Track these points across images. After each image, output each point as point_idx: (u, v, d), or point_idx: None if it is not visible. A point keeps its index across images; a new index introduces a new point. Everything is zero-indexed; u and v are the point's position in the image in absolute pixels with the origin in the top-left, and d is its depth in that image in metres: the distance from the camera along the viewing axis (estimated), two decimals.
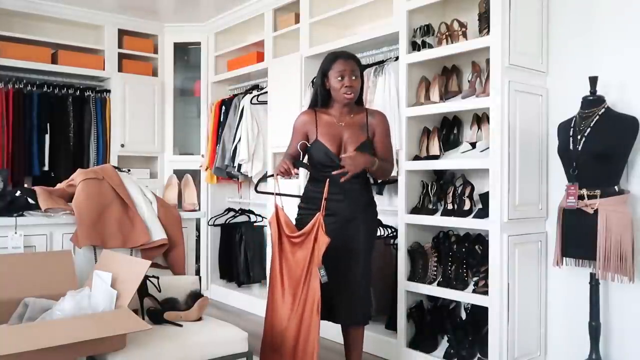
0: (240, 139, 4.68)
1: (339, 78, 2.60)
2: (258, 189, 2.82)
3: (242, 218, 5.15)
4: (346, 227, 2.62)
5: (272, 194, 2.60)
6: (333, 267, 2.51)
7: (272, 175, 2.65)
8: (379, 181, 3.57)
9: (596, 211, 2.63)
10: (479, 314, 3.12)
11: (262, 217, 4.96)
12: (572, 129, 2.76)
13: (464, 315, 3.34)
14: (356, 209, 2.66)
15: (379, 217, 3.75)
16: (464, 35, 3.23)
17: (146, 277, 2.29)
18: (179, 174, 3.36)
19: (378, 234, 3.72)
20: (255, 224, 5.04)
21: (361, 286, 2.66)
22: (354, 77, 2.61)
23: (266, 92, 4.58)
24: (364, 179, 2.73)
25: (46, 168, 4.78)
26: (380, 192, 3.78)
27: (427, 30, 3.36)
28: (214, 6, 4.88)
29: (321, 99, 2.70)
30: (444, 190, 3.33)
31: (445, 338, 3.27)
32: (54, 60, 4.87)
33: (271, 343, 2.57)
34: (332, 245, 2.46)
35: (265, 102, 4.62)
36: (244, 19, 4.90)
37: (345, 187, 2.57)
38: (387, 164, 2.71)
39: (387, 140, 2.75)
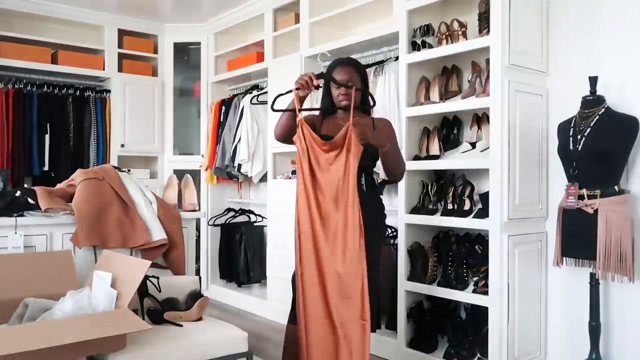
0: (240, 139, 4.68)
1: (336, 86, 2.59)
2: (275, 107, 2.57)
3: (242, 218, 5.16)
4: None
5: (293, 110, 2.44)
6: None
7: (290, 91, 2.48)
8: (379, 181, 3.56)
9: (596, 211, 2.63)
10: (479, 314, 3.12)
11: (262, 217, 4.96)
12: (572, 129, 2.76)
13: (464, 315, 3.34)
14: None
15: None
16: (464, 35, 3.23)
17: (146, 277, 2.29)
18: (179, 174, 3.36)
19: None
20: (255, 224, 5.04)
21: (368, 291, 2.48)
22: (349, 84, 2.56)
23: (266, 92, 4.59)
24: (371, 183, 2.67)
25: (46, 168, 4.78)
26: (380, 192, 3.78)
27: (427, 30, 3.36)
28: (214, 6, 4.88)
29: (329, 104, 2.68)
30: (444, 190, 3.33)
31: (445, 338, 3.28)
32: (54, 60, 4.87)
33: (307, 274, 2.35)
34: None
35: (265, 102, 4.63)
36: (244, 19, 4.90)
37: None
38: (397, 152, 2.67)
39: (394, 140, 2.71)
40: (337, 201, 2.37)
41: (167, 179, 3.31)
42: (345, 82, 2.56)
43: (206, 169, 5.16)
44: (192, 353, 2.11)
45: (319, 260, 2.37)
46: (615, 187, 2.66)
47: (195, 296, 2.43)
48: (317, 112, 2.72)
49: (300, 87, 2.43)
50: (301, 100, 2.45)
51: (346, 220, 2.35)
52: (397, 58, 3.52)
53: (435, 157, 3.32)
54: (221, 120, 5.05)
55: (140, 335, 2.02)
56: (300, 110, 2.42)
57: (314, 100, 3.92)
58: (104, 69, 5.09)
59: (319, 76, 2.48)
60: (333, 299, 2.34)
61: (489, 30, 2.98)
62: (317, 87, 2.49)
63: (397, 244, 3.51)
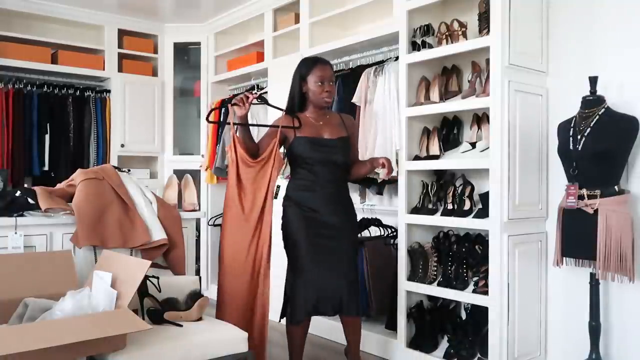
0: None
1: (319, 83, 2.77)
2: (210, 119, 3.06)
3: None
4: (336, 230, 2.80)
5: (229, 123, 2.78)
6: (327, 263, 2.75)
7: (228, 105, 2.86)
8: (379, 181, 3.58)
9: (596, 211, 2.63)
10: (479, 314, 3.12)
11: None
12: (572, 129, 2.76)
13: (464, 315, 3.34)
14: (343, 211, 2.86)
15: (378, 217, 3.80)
16: (464, 35, 3.23)
17: (146, 277, 2.29)
18: (179, 174, 3.36)
19: (378, 233, 3.77)
20: None
21: (348, 281, 2.79)
22: (331, 83, 2.81)
23: (266, 92, 4.58)
24: (346, 181, 2.94)
25: (46, 168, 4.78)
26: (380, 192, 3.78)
27: (427, 30, 3.36)
28: (214, 6, 4.88)
29: (298, 102, 2.85)
30: (444, 190, 3.33)
31: (445, 338, 3.28)
32: (54, 60, 4.87)
33: (231, 272, 2.72)
34: (324, 244, 2.75)
35: (265, 102, 4.61)
36: (244, 19, 4.90)
37: (332, 192, 2.80)
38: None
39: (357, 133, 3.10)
40: (255, 205, 2.68)
41: (167, 179, 3.31)
42: (328, 79, 2.78)
43: (206, 169, 5.16)
44: (192, 353, 2.11)
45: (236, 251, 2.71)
46: (615, 187, 2.66)
47: (195, 296, 2.43)
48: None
49: (236, 104, 2.69)
50: (241, 117, 2.71)
51: (260, 226, 2.68)
52: (397, 58, 3.52)
53: (435, 157, 3.32)
54: (221, 120, 5.05)
55: (140, 335, 2.02)
56: (236, 124, 2.72)
57: None
58: (104, 69, 5.09)
59: (260, 98, 2.80)
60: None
61: (489, 30, 2.98)
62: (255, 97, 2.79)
63: (397, 244, 3.51)
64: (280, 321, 2.85)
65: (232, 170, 2.73)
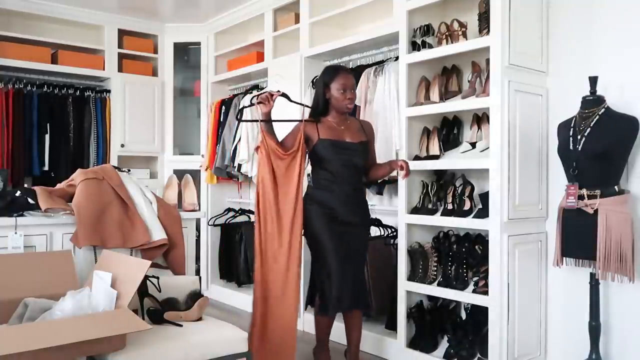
0: (240, 139, 4.68)
1: (342, 90, 2.89)
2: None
3: (242, 218, 5.15)
4: (352, 228, 2.93)
5: (257, 121, 2.95)
6: (347, 262, 2.87)
7: (252, 104, 3.00)
8: (379, 181, 3.58)
9: (596, 211, 2.63)
10: (479, 314, 3.12)
11: None
12: (572, 129, 2.76)
13: (464, 315, 3.34)
14: (359, 211, 2.99)
15: (378, 217, 3.81)
16: (464, 35, 3.23)
17: (146, 277, 2.29)
18: (179, 174, 3.37)
19: (378, 233, 3.77)
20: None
21: (360, 278, 3.01)
22: (352, 90, 2.94)
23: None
24: (363, 183, 3.08)
25: (46, 168, 4.78)
26: (380, 192, 3.79)
27: (427, 30, 3.36)
28: (214, 6, 4.88)
29: (322, 107, 2.97)
30: (444, 190, 3.33)
31: (445, 338, 3.27)
32: (54, 60, 4.87)
33: (266, 256, 2.86)
34: (344, 243, 2.86)
35: None
36: (244, 19, 4.90)
37: (350, 193, 2.92)
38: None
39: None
40: (289, 196, 2.81)
41: (167, 179, 3.31)
42: (350, 86, 2.90)
43: (206, 169, 5.16)
44: (192, 353, 2.11)
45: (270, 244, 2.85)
46: (615, 187, 2.66)
47: (195, 296, 2.43)
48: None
49: (261, 102, 2.82)
50: (266, 114, 2.84)
51: (294, 217, 2.81)
52: (397, 58, 3.52)
53: (435, 157, 3.32)
54: (221, 120, 5.05)
55: (140, 335, 2.02)
56: (262, 121, 2.85)
57: None
58: (104, 69, 5.09)
59: (283, 95, 2.88)
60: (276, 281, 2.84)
61: (489, 30, 2.98)
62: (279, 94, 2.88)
63: (397, 244, 3.51)
64: (306, 309, 2.95)
65: (265, 165, 2.83)
